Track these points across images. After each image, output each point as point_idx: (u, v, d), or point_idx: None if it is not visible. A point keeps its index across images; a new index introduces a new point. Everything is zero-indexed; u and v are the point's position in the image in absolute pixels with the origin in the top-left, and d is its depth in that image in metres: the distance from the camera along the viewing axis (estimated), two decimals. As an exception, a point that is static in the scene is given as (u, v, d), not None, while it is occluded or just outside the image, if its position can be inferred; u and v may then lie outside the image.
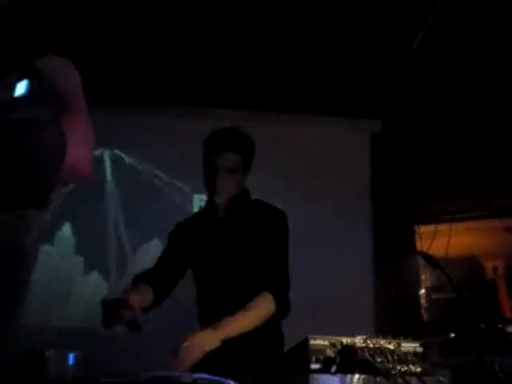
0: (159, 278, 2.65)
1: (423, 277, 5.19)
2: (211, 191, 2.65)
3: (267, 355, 2.53)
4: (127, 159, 4.71)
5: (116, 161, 4.70)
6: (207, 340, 2.24)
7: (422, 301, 5.11)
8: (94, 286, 4.45)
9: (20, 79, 1.47)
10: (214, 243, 2.67)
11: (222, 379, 1.79)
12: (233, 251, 2.63)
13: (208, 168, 2.67)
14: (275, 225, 2.67)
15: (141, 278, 2.62)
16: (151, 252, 4.57)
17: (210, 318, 2.48)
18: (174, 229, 2.84)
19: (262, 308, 2.43)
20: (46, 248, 4.45)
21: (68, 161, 1.36)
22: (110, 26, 4.11)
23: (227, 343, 2.29)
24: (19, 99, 1.47)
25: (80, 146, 1.40)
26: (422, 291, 5.17)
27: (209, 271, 2.66)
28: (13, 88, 1.47)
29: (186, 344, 2.21)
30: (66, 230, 4.52)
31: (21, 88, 1.47)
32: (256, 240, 2.61)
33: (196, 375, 1.83)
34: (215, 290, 2.62)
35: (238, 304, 2.42)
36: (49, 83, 1.48)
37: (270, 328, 2.51)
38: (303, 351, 1.92)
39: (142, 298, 2.41)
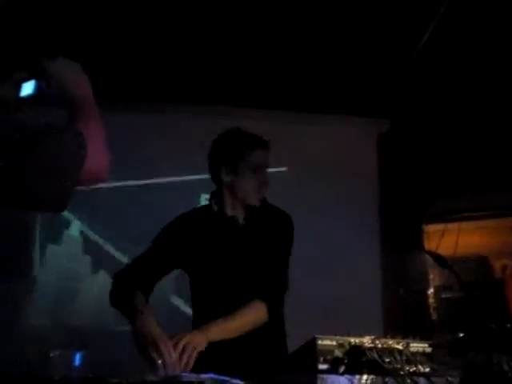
0: (149, 283, 2.55)
1: (431, 276, 5.16)
2: (249, 191, 2.53)
3: (269, 355, 2.51)
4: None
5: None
6: (197, 342, 2.22)
7: (431, 300, 5.09)
8: (102, 285, 4.45)
9: (27, 79, 1.47)
10: (224, 245, 2.55)
11: (230, 379, 1.79)
12: (241, 254, 2.54)
13: (246, 167, 2.52)
14: (282, 230, 2.60)
15: (133, 285, 2.49)
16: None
17: (205, 320, 2.43)
18: (173, 224, 2.67)
19: (252, 316, 2.40)
20: (53, 248, 4.46)
21: (88, 165, 1.37)
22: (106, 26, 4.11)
23: (228, 343, 2.28)
24: (26, 99, 1.46)
25: (96, 150, 1.40)
26: (431, 290, 5.15)
27: (211, 273, 2.55)
28: (19, 87, 1.46)
29: (180, 344, 2.19)
30: (74, 229, 4.52)
31: (28, 88, 1.46)
32: (262, 244, 2.54)
33: (205, 375, 1.83)
34: (217, 293, 2.53)
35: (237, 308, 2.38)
36: (60, 85, 1.48)
37: (273, 327, 2.48)
38: (311, 351, 1.91)
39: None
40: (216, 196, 2.64)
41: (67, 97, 1.47)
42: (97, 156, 1.40)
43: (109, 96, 3.98)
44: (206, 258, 2.55)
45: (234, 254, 2.54)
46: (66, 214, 4.49)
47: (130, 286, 2.49)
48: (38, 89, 1.47)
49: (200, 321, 2.51)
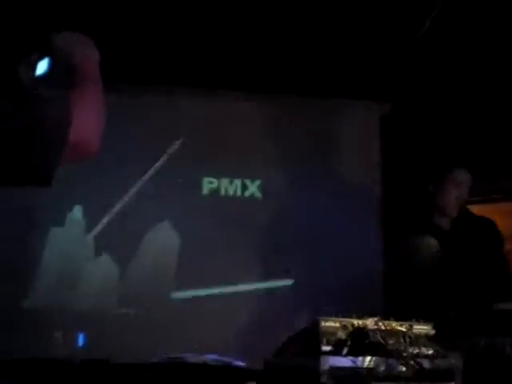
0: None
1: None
2: (449, 203, 2.88)
3: None
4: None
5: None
6: None
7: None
8: (105, 268, 4.46)
9: (41, 58, 1.46)
10: (431, 250, 2.80)
11: (231, 360, 1.79)
12: (448, 258, 2.76)
13: (451, 182, 2.93)
14: (491, 234, 3.05)
15: None
16: (161, 234, 4.57)
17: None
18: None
19: None
20: (56, 230, 4.45)
21: (75, 137, 1.31)
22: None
23: None
24: (41, 78, 1.45)
25: (89, 122, 1.34)
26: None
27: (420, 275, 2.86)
28: (35, 67, 1.45)
29: None
30: (77, 212, 4.51)
31: (42, 67, 1.46)
32: (469, 249, 2.75)
33: (208, 356, 1.83)
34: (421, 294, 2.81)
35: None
36: (65, 58, 1.45)
37: None
38: (314, 333, 1.91)
39: None
40: (421, 206, 2.91)
41: (70, 66, 1.45)
42: (86, 128, 1.34)
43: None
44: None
45: (441, 259, 2.77)
46: (68, 196, 4.48)
47: None
48: (50, 66, 1.46)
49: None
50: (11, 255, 4.15)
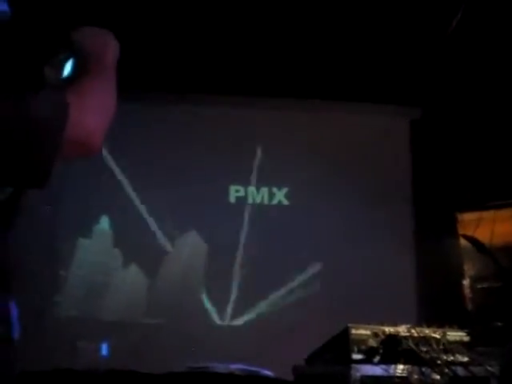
0: None
1: (466, 266, 5.07)
2: None
3: None
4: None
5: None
6: None
7: (466, 291, 4.99)
8: (133, 279, 4.46)
9: (67, 59, 1.43)
10: None
11: (259, 369, 1.75)
12: None
13: None
14: None
15: None
16: (189, 243, 4.56)
17: None
18: None
19: None
20: (84, 242, 4.46)
21: (74, 132, 1.22)
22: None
23: None
24: (67, 80, 1.42)
25: (92, 117, 1.25)
26: (466, 281, 5.06)
27: None
28: (62, 68, 1.42)
29: None
30: (104, 223, 4.52)
31: (68, 67, 1.43)
32: None
33: (234, 366, 1.79)
34: None
35: None
36: (80, 54, 1.41)
37: None
38: (344, 341, 1.86)
39: None
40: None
41: (82, 58, 1.40)
42: (91, 123, 1.24)
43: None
44: None
45: None
46: (96, 207, 4.50)
47: None
48: (75, 66, 1.43)
49: None
50: (40, 266, 4.16)
